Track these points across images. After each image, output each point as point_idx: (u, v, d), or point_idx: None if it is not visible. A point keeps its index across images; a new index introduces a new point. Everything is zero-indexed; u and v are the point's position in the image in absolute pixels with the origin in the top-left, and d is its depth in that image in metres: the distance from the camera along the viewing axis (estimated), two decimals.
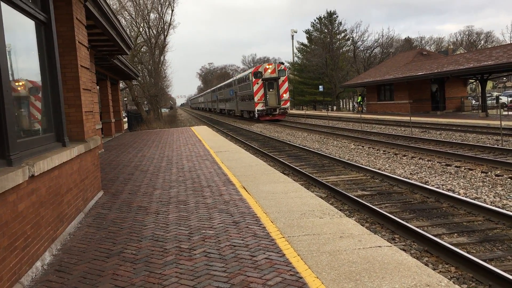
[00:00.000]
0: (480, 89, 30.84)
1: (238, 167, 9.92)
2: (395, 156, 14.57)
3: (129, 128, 33.35)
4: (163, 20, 44.58)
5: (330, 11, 65.06)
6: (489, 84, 63.37)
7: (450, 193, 8.62)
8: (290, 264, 3.99)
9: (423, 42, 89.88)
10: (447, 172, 11.43)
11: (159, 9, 44.09)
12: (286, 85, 38.68)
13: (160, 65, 47.81)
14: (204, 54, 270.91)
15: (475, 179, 10.38)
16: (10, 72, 4.32)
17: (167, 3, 43.74)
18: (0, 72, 3.87)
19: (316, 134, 23.98)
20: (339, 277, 3.64)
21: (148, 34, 44.42)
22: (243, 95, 42.93)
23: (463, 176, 10.82)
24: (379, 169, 12.32)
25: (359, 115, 33.54)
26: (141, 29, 43.89)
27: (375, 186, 10.22)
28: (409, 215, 7.80)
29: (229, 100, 53.12)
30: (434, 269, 5.28)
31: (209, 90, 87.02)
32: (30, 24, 5.34)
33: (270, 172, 9.15)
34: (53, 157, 4.94)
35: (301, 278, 3.68)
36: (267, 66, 38.82)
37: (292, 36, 53.28)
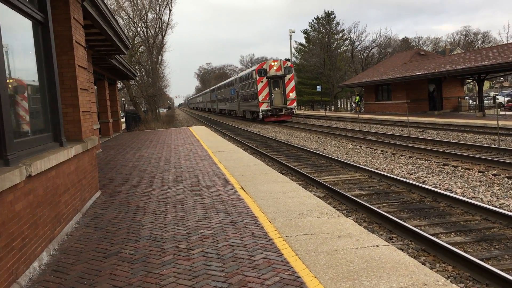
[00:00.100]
0: (477, 89, 30.93)
1: (236, 167, 9.92)
2: (392, 156, 14.60)
3: (127, 128, 33.31)
4: (161, 20, 44.61)
5: (328, 11, 65.18)
6: (486, 84, 63.52)
7: (448, 193, 8.64)
8: (288, 264, 4.00)
9: (420, 42, 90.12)
10: (444, 172, 11.46)
11: (157, 9, 44.13)
12: (293, 83, 35.97)
13: (158, 65, 47.80)
14: (202, 54, 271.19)
15: (472, 179, 10.40)
16: (7, 72, 4.31)
17: (165, 3, 43.77)
18: None
19: (314, 134, 24.00)
20: (337, 277, 3.65)
21: (146, 34, 44.44)
22: (246, 94, 40.25)
23: (460, 176, 10.85)
24: (376, 168, 12.34)
25: (357, 115, 33.61)
26: (138, 29, 43.92)
27: (373, 186, 10.24)
28: (407, 215, 7.82)
29: (230, 99, 50.61)
30: (431, 268, 5.29)
31: (208, 89, 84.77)
32: (27, 23, 5.33)
33: (268, 172, 9.16)
34: (50, 157, 4.94)
35: (299, 277, 3.69)
36: (272, 63, 35.98)
37: (290, 36, 53.26)
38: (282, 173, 11.89)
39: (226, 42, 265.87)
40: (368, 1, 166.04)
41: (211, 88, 76.46)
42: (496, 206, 7.90)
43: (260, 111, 35.04)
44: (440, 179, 10.57)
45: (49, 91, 5.77)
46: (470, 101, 38.12)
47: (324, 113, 42.04)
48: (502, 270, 4.95)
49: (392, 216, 7.30)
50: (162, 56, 49.04)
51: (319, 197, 8.82)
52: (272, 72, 35.36)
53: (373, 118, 31.61)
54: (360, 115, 32.68)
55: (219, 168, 9.78)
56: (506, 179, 10.03)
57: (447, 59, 34.70)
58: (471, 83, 43.09)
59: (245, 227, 5.24)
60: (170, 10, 59.81)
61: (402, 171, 11.86)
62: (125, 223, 5.74)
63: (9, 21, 4.69)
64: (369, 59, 64.96)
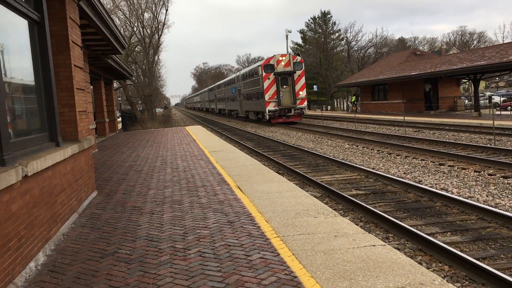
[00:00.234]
0: (473, 89, 31.03)
1: (233, 166, 9.92)
2: (389, 155, 14.63)
3: (123, 128, 33.22)
4: (157, 19, 44.54)
5: (325, 11, 65.23)
6: (482, 84, 63.80)
7: (444, 192, 8.66)
8: (284, 264, 4.00)
9: (416, 42, 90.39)
10: (440, 172, 11.50)
11: (153, 8, 44.04)
12: (303, 80, 32.11)
13: (154, 65, 47.72)
14: (198, 54, 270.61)
15: (468, 178, 10.44)
16: (2, 72, 4.29)
17: (161, 3, 43.69)
18: None
19: (310, 134, 24.02)
20: (333, 276, 3.65)
21: (142, 34, 44.34)
22: (250, 92, 36.53)
23: (456, 175, 10.89)
24: (373, 168, 12.37)
25: (353, 115, 33.63)
26: (135, 29, 43.79)
27: (369, 186, 10.26)
28: (403, 214, 7.84)
29: (231, 99, 47.14)
30: (427, 268, 5.31)
31: (206, 88, 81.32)
32: (23, 23, 5.31)
33: (264, 171, 9.16)
34: (46, 157, 4.92)
35: (295, 277, 3.69)
36: (280, 58, 32.03)
37: (287, 36, 53.15)
38: (279, 173, 11.90)
39: (223, 42, 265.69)
40: (364, 1, 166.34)
41: (209, 87, 73.46)
42: (492, 206, 7.93)
43: (267, 111, 31.42)
44: (436, 179, 10.60)
45: (45, 91, 5.75)
46: (466, 101, 38.25)
47: (321, 113, 42.04)
48: (498, 270, 4.97)
49: (389, 215, 7.32)
50: (158, 56, 49.04)
51: (315, 196, 8.83)
52: (280, 68, 31.71)
53: (369, 118, 31.68)
54: (357, 115, 32.71)
55: (215, 168, 9.78)
56: (502, 178, 10.07)
57: (443, 59, 34.83)
58: (467, 83, 43.23)
59: (242, 227, 5.24)
60: (167, 10, 59.61)
61: (399, 171, 11.89)
62: (121, 223, 5.73)
63: (4, 20, 4.67)
64: (365, 59, 65.14)
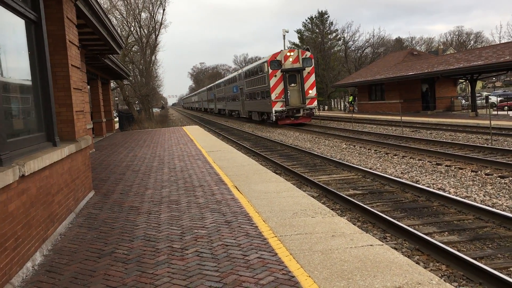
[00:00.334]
0: (470, 89, 31.13)
1: (230, 166, 9.91)
2: (386, 155, 14.66)
3: (120, 128, 33.18)
4: (154, 19, 44.47)
5: (322, 11, 65.23)
6: (479, 84, 63.98)
7: (441, 192, 8.68)
8: (282, 263, 4.00)
9: (413, 42, 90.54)
10: (437, 171, 11.52)
11: (150, 8, 43.99)
12: (313, 77, 29.40)
13: (151, 65, 47.64)
14: (195, 54, 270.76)
15: (465, 178, 10.47)
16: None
17: (158, 3, 43.63)
18: None
19: (307, 134, 24.04)
20: (331, 276, 3.66)
21: (139, 34, 44.27)
22: (253, 91, 33.71)
23: (454, 175, 10.91)
24: (370, 168, 12.38)
25: (350, 115, 33.69)
26: (132, 29, 43.75)
27: (367, 185, 10.28)
28: (400, 214, 7.85)
29: (231, 98, 44.45)
30: (425, 267, 5.33)
31: (204, 88, 79.05)
32: (20, 22, 5.29)
33: (262, 171, 9.16)
34: (43, 157, 4.91)
35: (293, 277, 3.69)
36: (288, 54, 29.11)
37: (284, 36, 53.17)
38: (276, 173, 11.90)
39: (220, 42, 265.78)
40: (361, 1, 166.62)
41: (208, 86, 70.67)
42: (489, 206, 7.96)
43: (273, 112, 28.70)
44: (433, 179, 10.63)
45: (42, 91, 5.74)
46: (463, 101, 38.38)
47: (318, 113, 42.07)
48: (495, 269, 4.98)
49: (386, 215, 7.33)
50: (155, 56, 48.94)
51: (313, 196, 8.84)
52: (288, 64, 28.81)
53: (366, 118, 31.72)
54: (354, 115, 32.77)
55: (213, 168, 9.77)
56: (499, 178, 10.10)
57: (440, 59, 34.90)
58: (464, 83, 43.36)
59: (239, 226, 5.23)
60: (164, 10, 59.33)
61: (396, 171, 11.91)
62: (119, 223, 5.72)
63: (1, 20, 4.66)
64: (362, 59, 65.17)
